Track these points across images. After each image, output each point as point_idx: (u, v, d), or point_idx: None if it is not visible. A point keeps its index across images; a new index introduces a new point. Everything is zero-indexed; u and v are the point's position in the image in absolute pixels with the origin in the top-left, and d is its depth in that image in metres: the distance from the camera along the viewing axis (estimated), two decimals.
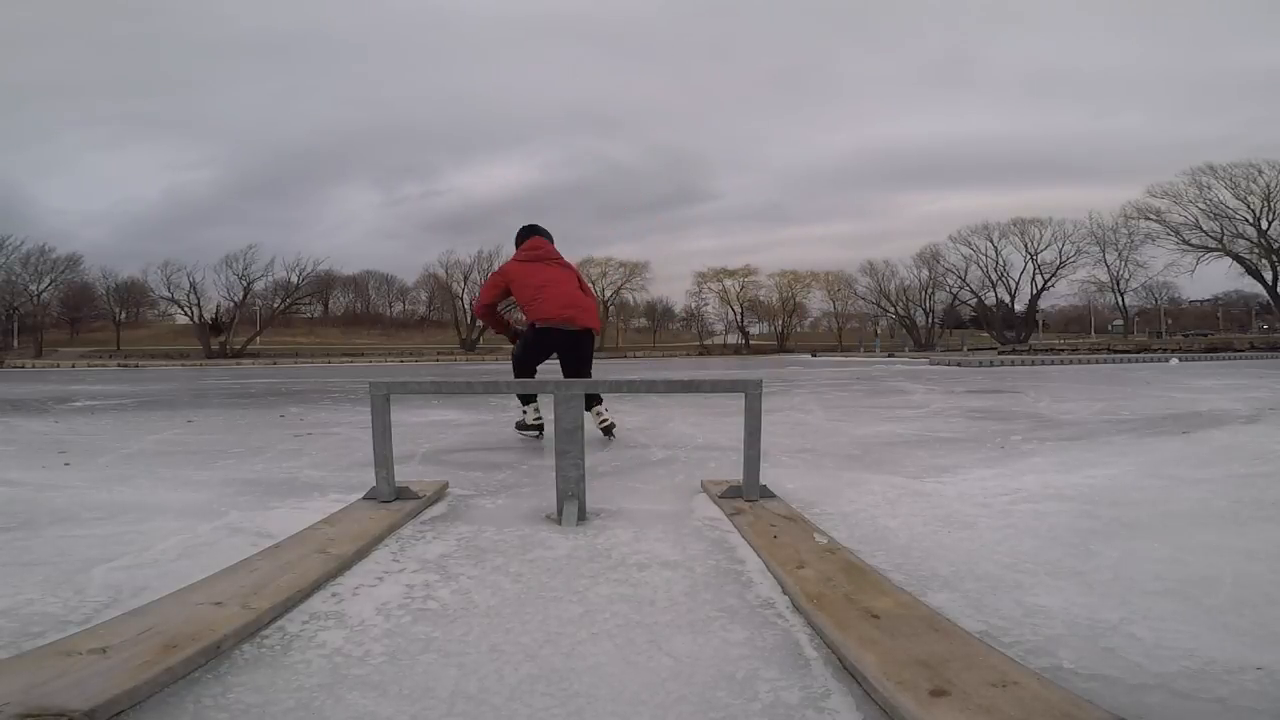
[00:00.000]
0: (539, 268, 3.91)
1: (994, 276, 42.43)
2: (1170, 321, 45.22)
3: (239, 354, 31.99)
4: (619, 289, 45.85)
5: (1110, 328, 44.96)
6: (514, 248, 4.13)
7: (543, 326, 3.85)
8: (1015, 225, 41.18)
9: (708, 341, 46.44)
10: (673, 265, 79.56)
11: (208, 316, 37.22)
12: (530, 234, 4.07)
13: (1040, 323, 43.64)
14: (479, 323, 41.13)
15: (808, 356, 29.63)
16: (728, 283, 46.11)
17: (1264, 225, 32.97)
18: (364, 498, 2.36)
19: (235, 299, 37.50)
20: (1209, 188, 33.83)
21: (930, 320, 43.98)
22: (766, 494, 2.38)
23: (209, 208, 54.44)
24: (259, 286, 38.18)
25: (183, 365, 22.61)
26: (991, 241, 41.79)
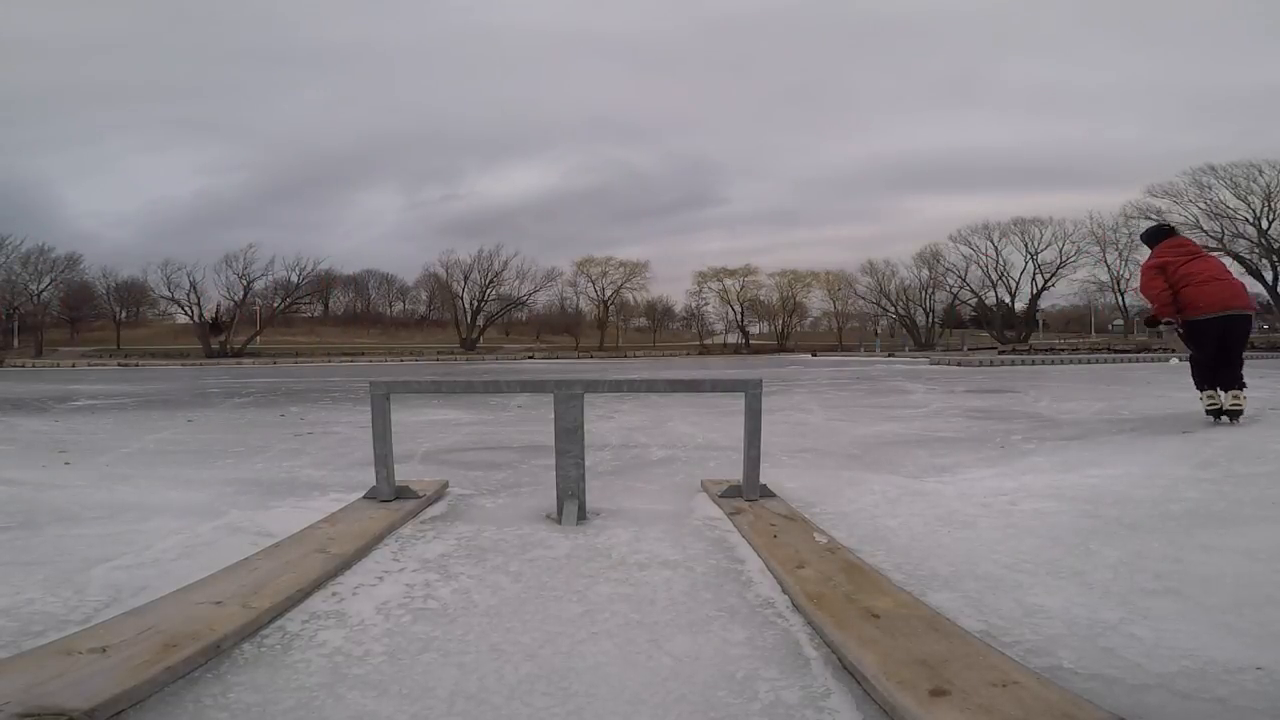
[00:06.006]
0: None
1: (994, 276, 42.29)
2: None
3: (239, 353, 31.94)
4: (619, 288, 45.76)
5: (1110, 327, 44.86)
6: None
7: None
8: (1015, 225, 40.98)
9: (708, 341, 46.33)
10: (680, 266, 79.71)
11: (208, 316, 37.13)
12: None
13: (1040, 322, 43.56)
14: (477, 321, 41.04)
15: (808, 356, 29.58)
16: (728, 282, 45.93)
17: (1264, 225, 32.91)
18: (364, 497, 2.36)
19: (235, 298, 37.47)
20: (1209, 187, 33.72)
21: (930, 320, 43.85)
22: (766, 493, 2.38)
23: (233, 210, 54.39)
24: (259, 286, 38.17)
25: (182, 365, 22.59)
26: (992, 241, 41.63)
